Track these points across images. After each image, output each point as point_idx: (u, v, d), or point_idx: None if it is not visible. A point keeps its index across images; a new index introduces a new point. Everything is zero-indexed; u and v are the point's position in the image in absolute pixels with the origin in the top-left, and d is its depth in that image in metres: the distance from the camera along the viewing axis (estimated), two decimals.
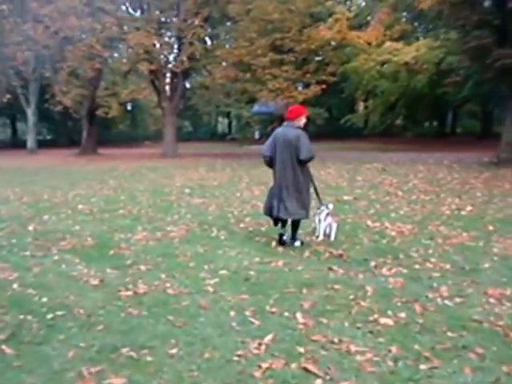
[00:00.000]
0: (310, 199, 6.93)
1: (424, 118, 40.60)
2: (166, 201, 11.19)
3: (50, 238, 7.56)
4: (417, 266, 5.73)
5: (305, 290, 4.98)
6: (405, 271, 5.56)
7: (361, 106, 47.14)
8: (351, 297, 4.78)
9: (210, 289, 5.11)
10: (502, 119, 41.83)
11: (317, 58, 29.92)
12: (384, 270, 5.60)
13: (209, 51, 24.06)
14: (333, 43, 25.60)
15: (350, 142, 36.43)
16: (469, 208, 9.14)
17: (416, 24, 35.65)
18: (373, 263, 5.86)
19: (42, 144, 39.29)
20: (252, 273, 5.62)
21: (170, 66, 24.36)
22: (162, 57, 23.95)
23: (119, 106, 24.63)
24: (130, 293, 5.05)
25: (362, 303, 4.61)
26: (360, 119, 38.97)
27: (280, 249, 6.67)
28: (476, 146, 26.69)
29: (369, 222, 8.15)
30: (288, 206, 6.71)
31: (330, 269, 5.70)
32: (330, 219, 7.16)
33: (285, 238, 6.92)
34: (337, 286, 5.08)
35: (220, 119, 58.71)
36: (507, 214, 8.58)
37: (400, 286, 5.08)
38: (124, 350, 3.75)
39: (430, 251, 6.34)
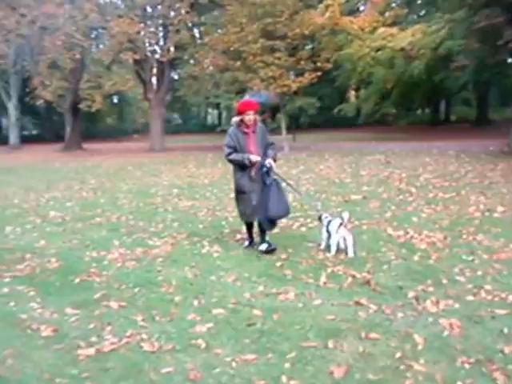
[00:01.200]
0: (237, 203, 6.23)
1: (418, 105, 39.27)
2: (150, 204, 9.74)
3: (6, 259, 6.11)
4: (470, 298, 4.33)
5: (331, 344, 3.57)
6: (456, 306, 4.17)
7: (352, 95, 45.74)
8: (398, 354, 3.38)
9: (202, 342, 3.69)
10: (498, 106, 40.81)
11: (308, 47, 28.44)
12: (429, 305, 4.20)
13: (196, 39, 22.49)
14: (325, 30, 24.02)
15: (342, 131, 35.21)
16: (500, 209, 7.76)
17: (408, 9, 34.19)
18: (411, 293, 4.46)
19: (28, 139, 37.65)
20: (257, 312, 4.21)
21: (155, 55, 22.74)
22: (146, 46, 22.34)
23: (103, 99, 22.99)
24: (91, 351, 3.62)
25: (416, 366, 3.22)
26: (352, 108, 37.55)
27: (288, 272, 5.24)
28: (474, 134, 25.47)
29: (389, 230, 6.75)
30: None
31: (358, 303, 4.30)
32: (343, 231, 5.76)
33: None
34: (373, 335, 3.68)
35: (210, 110, 57.08)
36: None
37: (458, 332, 3.69)
38: None
39: (479, 273, 4.94)
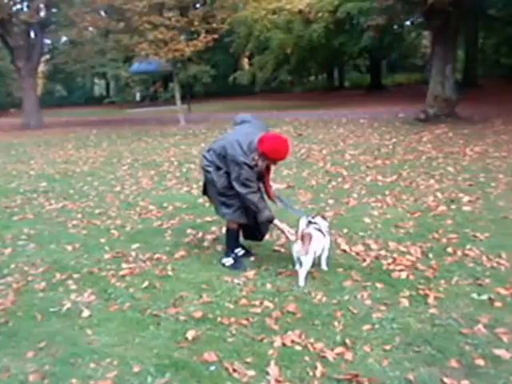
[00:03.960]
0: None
1: (315, 71, 38.04)
2: (3, 209, 6.96)
3: None
4: None
5: None
6: None
7: (245, 62, 43.56)
8: None
9: None
10: (387, 72, 40.65)
11: (200, 7, 25.56)
12: None
13: None
14: None
15: (239, 100, 33.08)
16: (465, 198, 5.96)
17: None
18: None
19: None
20: None
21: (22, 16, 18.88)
22: (10, 3, 18.45)
23: None
24: None
25: None
26: (247, 76, 35.41)
27: (209, 353, 2.96)
28: (372, 100, 24.55)
29: (342, 244, 4.65)
30: None
31: None
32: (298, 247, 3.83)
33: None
34: None
35: (96, 81, 52.31)
36: None
37: None
38: None
39: None
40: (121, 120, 23.43)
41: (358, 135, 11.80)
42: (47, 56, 40.79)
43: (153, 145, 12.87)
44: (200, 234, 5.22)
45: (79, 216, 6.30)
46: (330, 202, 6.23)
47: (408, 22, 25.77)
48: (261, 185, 4.19)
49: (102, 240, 5.25)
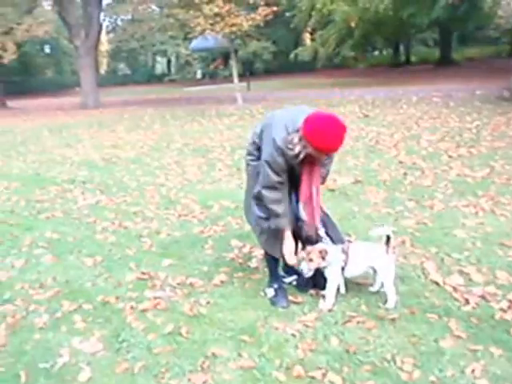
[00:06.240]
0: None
1: (380, 46, 35.88)
2: (34, 203, 6.14)
3: None
4: None
5: None
6: None
7: (307, 37, 41.79)
8: None
9: None
10: (457, 45, 37.78)
11: None
12: None
13: None
14: None
15: (300, 77, 31.65)
16: None
17: None
18: None
19: None
20: None
21: None
22: None
23: (16, 48, 18.50)
24: None
25: None
26: (309, 52, 33.77)
27: None
28: (443, 76, 22.56)
29: (432, 272, 3.44)
30: None
31: None
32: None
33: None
34: None
35: (159, 59, 52.07)
36: None
37: None
38: None
39: None
40: (178, 99, 22.64)
41: (433, 116, 10.31)
42: (111, 35, 40.76)
43: (206, 126, 11.88)
44: (247, 248, 4.15)
45: (111, 216, 5.37)
46: (409, 204, 4.98)
47: None
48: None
49: (129, 252, 4.27)
